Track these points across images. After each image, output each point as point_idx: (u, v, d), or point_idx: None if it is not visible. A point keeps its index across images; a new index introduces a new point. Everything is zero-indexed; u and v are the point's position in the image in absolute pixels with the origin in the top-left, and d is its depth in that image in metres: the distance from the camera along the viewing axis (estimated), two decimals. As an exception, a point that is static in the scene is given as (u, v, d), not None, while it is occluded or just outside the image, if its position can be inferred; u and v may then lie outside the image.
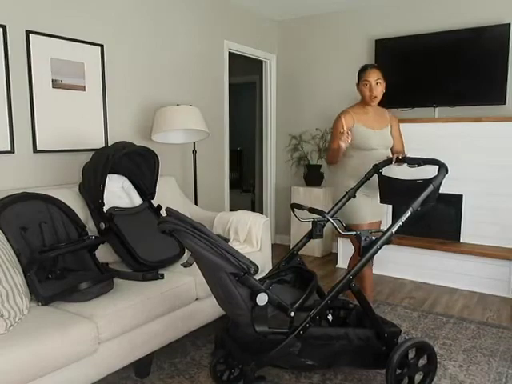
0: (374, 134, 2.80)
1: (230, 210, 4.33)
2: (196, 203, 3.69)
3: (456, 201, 3.94)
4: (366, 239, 2.07)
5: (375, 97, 2.75)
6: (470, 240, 3.91)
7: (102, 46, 3.13)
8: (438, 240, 4.00)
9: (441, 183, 2.20)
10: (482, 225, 3.85)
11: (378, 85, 2.73)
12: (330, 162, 2.87)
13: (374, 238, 2.09)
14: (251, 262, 1.72)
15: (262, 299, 1.77)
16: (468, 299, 3.58)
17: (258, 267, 1.74)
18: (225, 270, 1.72)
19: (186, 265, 1.81)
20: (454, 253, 3.83)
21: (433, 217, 4.02)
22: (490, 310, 3.34)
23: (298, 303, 1.93)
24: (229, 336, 2.06)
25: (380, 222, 2.97)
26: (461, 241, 3.95)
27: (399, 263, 4.08)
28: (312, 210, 2.24)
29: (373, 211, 2.86)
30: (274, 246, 3.33)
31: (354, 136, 2.68)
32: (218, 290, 1.92)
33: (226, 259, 1.70)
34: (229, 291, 1.78)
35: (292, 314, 1.87)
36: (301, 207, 2.38)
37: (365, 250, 2.07)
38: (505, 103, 3.78)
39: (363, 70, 2.80)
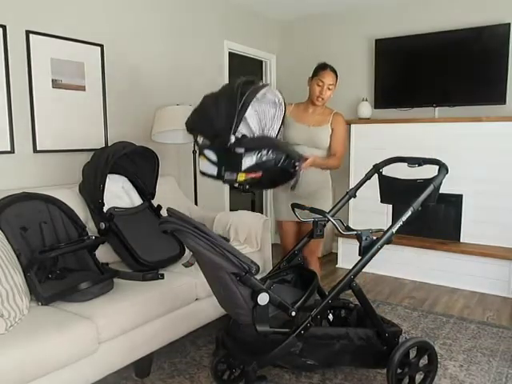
0: (302, 129, 2.79)
1: (230, 210, 4.33)
2: (196, 203, 3.69)
3: (456, 201, 3.94)
4: (366, 239, 2.06)
5: (322, 98, 2.75)
6: (470, 240, 3.92)
7: (101, 46, 3.13)
8: (438, 240, 4.00)
9: (441, 183, 2.20)
10: (482, 225, 3.85)
11: (329, 89, 2.74)
12: None
13: (374, 237, 2.09)
14: (252, 261, 1.72)
15: (263, 299, 1.77)
16: (468, 299, 3.58)
17: (259, 267, 1.74)
18: (226, 269, 1.72)
19: (187, 265, 1.81)
20: (454, 253, 3.83)
21: (433, 217, 4.02)
22: (490, 310, 3.34)
23: (299, 303, 1.93)
24: (229, 336, 2.06)
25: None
26: (461, 241, 3.95)
27: (399, 263, 4.09)
28: (313, 210, 2.24)
29: (290, 208, 2.63)
30: (273, 245, 3.33)
31: (285, 128, 2.79)
32: (219, 290, 1.92)
33: (228, 259, 1.70)
34: (230, 291, 1.78)
35: (293, 313, 1.87)
36: (302, 207, 2.38)
37: (365, 249, 2.07)
38: (505, 103, 3.78)
39: (322, 69, 2.76)
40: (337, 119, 2.82)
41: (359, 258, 2.08)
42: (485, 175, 3.79)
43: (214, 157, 2.18)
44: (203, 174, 2.27)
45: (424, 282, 3.96)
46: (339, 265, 4.40)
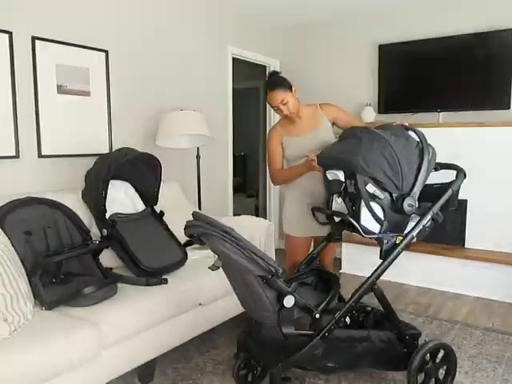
0: (306, 139, 2.53)
1: (234, 215, 4.33)
2: (200, 208, 3.69)
3: (460, 206, 3.92)
4: (387, 242, 2.07)
5: (290, 113, 2.50)
6: (474, 245, 3.89)
7: (106, 51, 3.14)
8: (442, 245, 3.98)
9: (459, 187, 2.21)
10: (486, 230, 3.83)
11: (285, 105, 2.46)
12: (283, 182, 2.68)
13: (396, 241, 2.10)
14: (278, 264, 1.74)
15: (289, 301, 1.79)
16: (473, 305, 3.56)
17: (284, 270, 1.77)
18: (253, 272, 1.72)
19: (214, 268, 1.80)
20: (458, 258, 3.81)
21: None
22: (495, 316, 3.32)
23: (323, 305, 1.96)
24: (252, 338, 2.08)
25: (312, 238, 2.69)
26: (465, 246, 3.93)
27: (404, 269, 4.05)
28: (334, 214, 2.24)
29: (307, 224, 2.55)
30: (277, 250, 3.32)
31: (285, 149, 2.59)
32: (244, 293, 1.94)
33: (255, 262, 1.71)
34: (256, 293, 1.80)
35: (317, 315, 1.90)
36: (322, 211, 2.37)
37: (386, 253, 2.08)
38: (509, 108, 3.77)
39: (266, 92, 2.50)
40: (327, 108, 2.63)
41: (375, 262, 2.12)
42: (489, 180, 3.77)
43: (380, 212, 2.03)
44: (357, 229, 2.03)
45: (429, 287, 3.94)
46: (343, 270, 4.38)
